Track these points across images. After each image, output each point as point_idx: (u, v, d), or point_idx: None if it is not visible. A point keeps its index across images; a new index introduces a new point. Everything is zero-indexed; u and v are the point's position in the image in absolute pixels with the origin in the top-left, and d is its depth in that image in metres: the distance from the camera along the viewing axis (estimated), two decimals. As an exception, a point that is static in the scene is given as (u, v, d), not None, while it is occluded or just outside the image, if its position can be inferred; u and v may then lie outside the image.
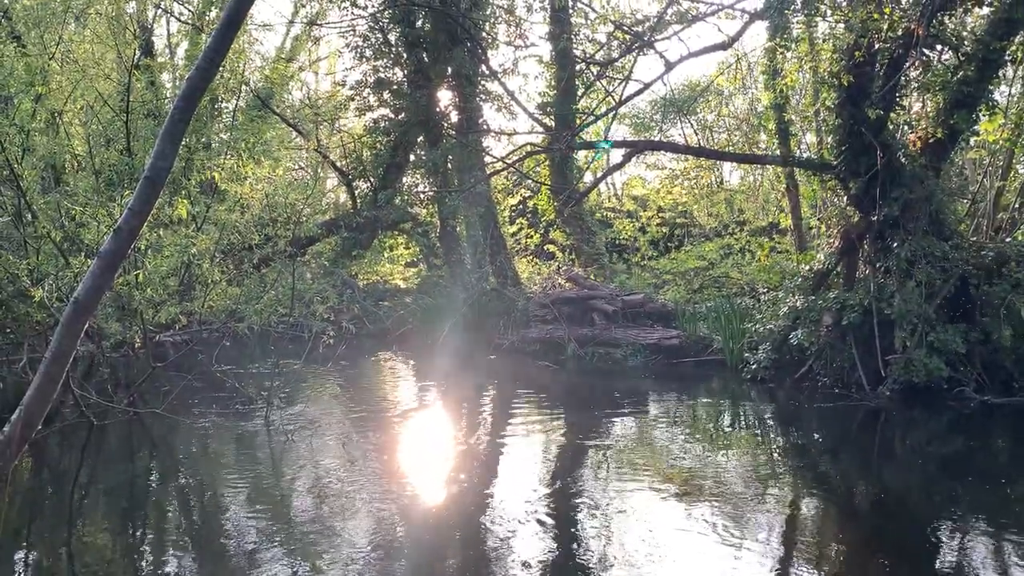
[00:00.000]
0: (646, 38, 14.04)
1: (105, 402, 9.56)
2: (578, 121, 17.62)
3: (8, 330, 10.53)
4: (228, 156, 14.65)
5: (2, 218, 10.09)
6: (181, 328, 11.96)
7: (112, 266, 4.14)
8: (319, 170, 28.61)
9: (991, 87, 10.97)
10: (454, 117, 18.88)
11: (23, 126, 10.43)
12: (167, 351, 12.51)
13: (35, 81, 11.48)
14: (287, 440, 8.66)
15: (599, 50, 19.01)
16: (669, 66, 13.19)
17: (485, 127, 18.92)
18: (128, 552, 5.63)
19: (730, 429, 9.63)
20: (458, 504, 6.62)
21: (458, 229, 19.45)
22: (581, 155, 19.91)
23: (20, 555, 5.49)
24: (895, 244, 10.80)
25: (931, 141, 11.09)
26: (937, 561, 5.32)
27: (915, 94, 11.63)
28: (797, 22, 15.03)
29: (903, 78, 10.95)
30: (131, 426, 9.56)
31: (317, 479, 7.34)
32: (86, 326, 4.20)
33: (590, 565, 5.20)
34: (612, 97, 17.82)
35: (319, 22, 23.77)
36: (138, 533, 6.11)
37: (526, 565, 5.16)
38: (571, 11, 19.44)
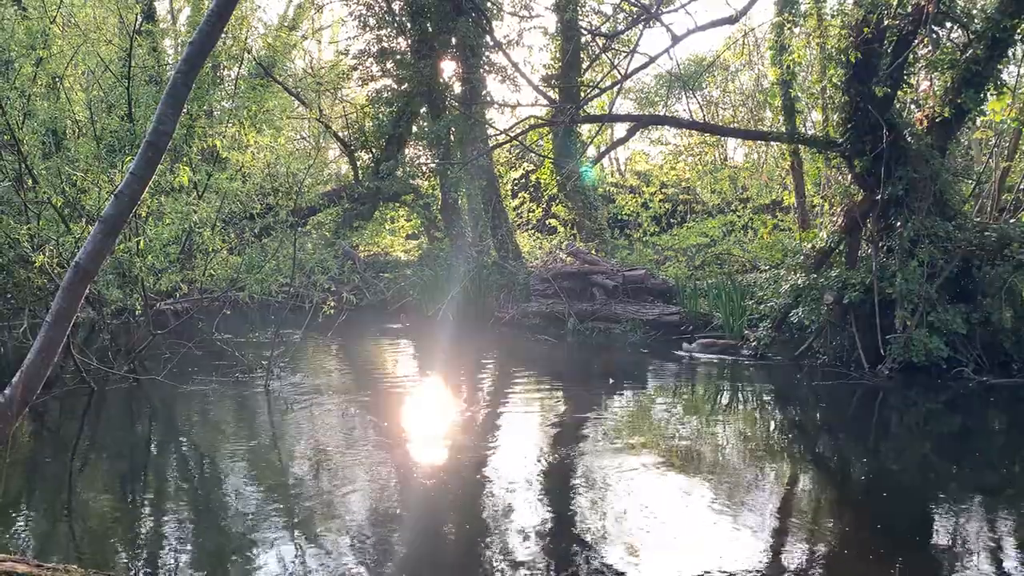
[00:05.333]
0: (653, 10, 13.88)
1: (105, 368, 9.59)
2: (583, 94, 17.49)
3: (9, 295, 10.55)
4: (230, 124, 14.60)
5: (3, 183, 10.05)
6: (182, 296, 11.98)
7: (114, 230, 4.11)
8: (321, 140, 28.50)
9: (1000, 66, 10.89)
10: (457, 88, 18.75)
11: (24, 90, 10.38)
12: (167, 319, 12.53)
13: (36, 45, 11.39)
14: (287, 408, 8.70)
15: (605, 22, 18.84)
16: (675, 40, 13.02)
17: (489, 99, 18.79)
18: (127, 517, 5.67)
19: (728, 405, 9.66)
20: (455, 473, 6.66)
21: (460, 202, 19.40)
22: (585, 129, 19.80)
23: (20, 519, 5.53)
24: (898, 223, 10.77)
25: (937, 120, 11.03)
26: (931, 539, 5.36)
27: (923, 72, 11.54)
28: (806, -3, 14.90)
29: (911, 56, 10.86)
30: (131, 393, 9.59)
31: (316, 446, 7.38)
32: (87, 291, 4.19)
33: (586, 535, 5.24)
34: (617, 70, 17.68)
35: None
36: (137, 498, 6.15)
37: (522, 533, 5.20)
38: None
